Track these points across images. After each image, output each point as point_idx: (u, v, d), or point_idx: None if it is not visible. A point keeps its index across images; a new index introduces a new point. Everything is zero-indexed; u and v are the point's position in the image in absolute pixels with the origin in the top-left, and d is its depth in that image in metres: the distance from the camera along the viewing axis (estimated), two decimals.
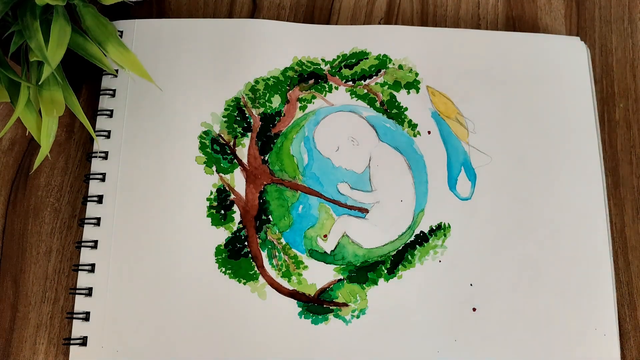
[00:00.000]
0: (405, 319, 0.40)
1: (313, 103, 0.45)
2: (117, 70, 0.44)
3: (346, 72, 0.45)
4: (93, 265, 0.40)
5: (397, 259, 0.41)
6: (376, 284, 0.41)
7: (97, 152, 0.43)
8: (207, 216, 0.42)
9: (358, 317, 0.40)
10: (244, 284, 0.40)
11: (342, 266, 0.41)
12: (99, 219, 0.41)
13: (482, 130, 0.44)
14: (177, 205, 0.42)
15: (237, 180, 0.43)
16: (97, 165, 0.42)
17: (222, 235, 0.41)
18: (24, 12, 0.33)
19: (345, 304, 0.40)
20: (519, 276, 0.41)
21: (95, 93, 0.45)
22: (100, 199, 0.42)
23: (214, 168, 0.43)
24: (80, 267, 0.40)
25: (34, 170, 0.41)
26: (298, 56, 0.46)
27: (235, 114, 0.44)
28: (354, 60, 0.46)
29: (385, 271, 0.41)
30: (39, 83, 0.34)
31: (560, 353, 0.40)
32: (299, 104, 0.45)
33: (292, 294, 0.40)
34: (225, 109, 0.44)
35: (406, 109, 0.45)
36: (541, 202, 0.43)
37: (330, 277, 0.41)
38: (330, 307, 0.40)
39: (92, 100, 0.45)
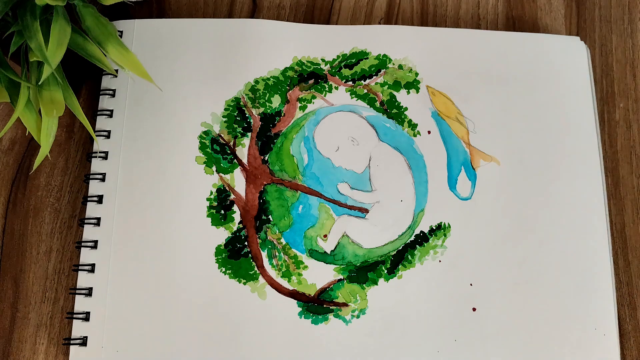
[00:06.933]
0: (405, 319, 0.40)
1: (313, 103, 0.45)
2: (117, 70, 0.44)
3: (346, 72, 0.45)
4: (93, 265, 0.40)
5: (397, 259, 0.41)
6: (376, 284, 0.41)
7: (97, 152, 0.43)
8: (207, 216, 0.42)
9: (358, 317, 0.40)
10: (244, 284, 0.40)
11: (342, 266, 0.41)
12: (99, 219, 0.41)
13: (482, 130, 0.44)
14: (177, 205, 0.42)
15: (237, 180, 0.43)
16: (97, 165, 0.42)
17: (222, 235, 0.41)
18: (24, 12, 0.33)
19: (345, 304, 0.40)
20: (518, 276, 0.41)
21: (95, 93, 0.45)
22: (100, 199, 0.42)
23: (214, 168, 0.43)
24: (80, 267, 0.40)
25: (34, 170, 0.41)
26: (298, 56, 0.46)
27: (235, 114, 0.44)
28: (354, 60, 0.46)
29: (385, 271, 0.41)
30: (39, 83, 0.34)
31: (560, 353, 0.40)
32: (299, 104, 0.45)
33: (292, 294, 0.40)
34: (225, 109, 0.44)
35: (406, 108, 0.45)
36: (541, 201, 0.43)
37: (330, 277, 0.41)
38: (330, 307, 0.40)
39: (92, 100, 0.45)
